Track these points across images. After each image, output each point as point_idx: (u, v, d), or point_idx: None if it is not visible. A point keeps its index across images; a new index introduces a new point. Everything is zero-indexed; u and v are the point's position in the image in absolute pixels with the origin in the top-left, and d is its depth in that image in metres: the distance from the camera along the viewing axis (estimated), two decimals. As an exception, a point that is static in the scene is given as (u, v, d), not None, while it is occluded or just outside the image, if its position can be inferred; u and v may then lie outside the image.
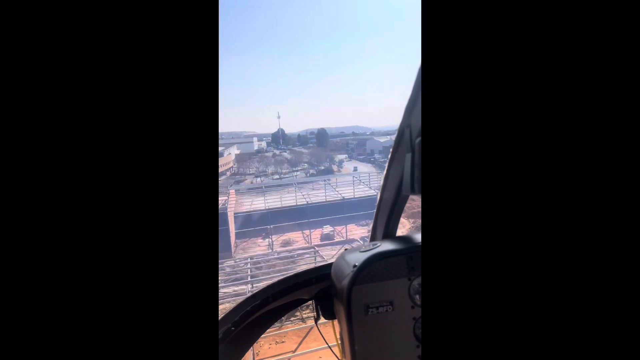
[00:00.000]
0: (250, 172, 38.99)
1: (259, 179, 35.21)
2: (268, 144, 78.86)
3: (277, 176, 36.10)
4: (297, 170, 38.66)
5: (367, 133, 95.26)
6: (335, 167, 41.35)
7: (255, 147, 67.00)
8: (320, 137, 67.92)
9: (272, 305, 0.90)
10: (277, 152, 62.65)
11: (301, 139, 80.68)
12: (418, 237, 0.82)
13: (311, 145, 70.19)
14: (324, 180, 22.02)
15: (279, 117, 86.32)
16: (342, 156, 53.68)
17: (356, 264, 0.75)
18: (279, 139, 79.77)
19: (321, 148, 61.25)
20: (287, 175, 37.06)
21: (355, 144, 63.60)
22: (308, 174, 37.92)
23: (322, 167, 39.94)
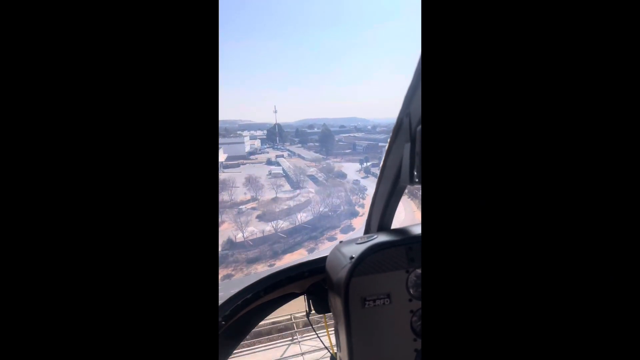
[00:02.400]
0: (231, 204, 26.80)
1: (240, 235, 23.11)
2: (262, 142, 67.13)
3: (270, 226, 24.01)
4: (300, 208, 26.55)
5: (368, 127, 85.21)
6: (355, 198, 29.41)
7: (247, 149, 54.95)
8: (325, 138, 55.62)
9: (264, 299, 0.89)
10: (274, 156, 50.77)
11: (299, 134, 68.58)
12: (414, 228, 0.80)
13: (312, 144, 58.22)
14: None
15: (275, 112, 73.97)
16: (354, 167, 41.79)
17: (353, 255, 0.72)
18: (275, 135, 67.81)
19: (327, 152, 49.39)
20: (286, 216, 25.14)
21: (364, 147, 51.95)
22: (317, 214, 26.14)
23: (337, 200, 27.85)
